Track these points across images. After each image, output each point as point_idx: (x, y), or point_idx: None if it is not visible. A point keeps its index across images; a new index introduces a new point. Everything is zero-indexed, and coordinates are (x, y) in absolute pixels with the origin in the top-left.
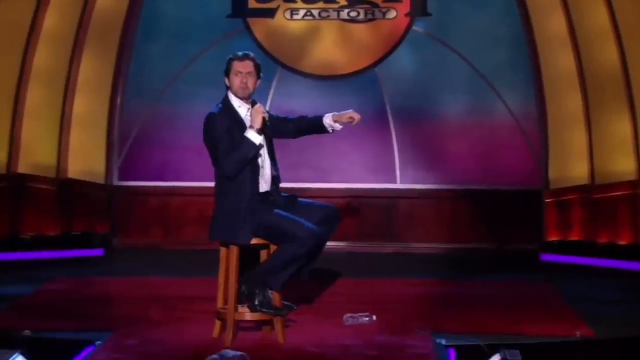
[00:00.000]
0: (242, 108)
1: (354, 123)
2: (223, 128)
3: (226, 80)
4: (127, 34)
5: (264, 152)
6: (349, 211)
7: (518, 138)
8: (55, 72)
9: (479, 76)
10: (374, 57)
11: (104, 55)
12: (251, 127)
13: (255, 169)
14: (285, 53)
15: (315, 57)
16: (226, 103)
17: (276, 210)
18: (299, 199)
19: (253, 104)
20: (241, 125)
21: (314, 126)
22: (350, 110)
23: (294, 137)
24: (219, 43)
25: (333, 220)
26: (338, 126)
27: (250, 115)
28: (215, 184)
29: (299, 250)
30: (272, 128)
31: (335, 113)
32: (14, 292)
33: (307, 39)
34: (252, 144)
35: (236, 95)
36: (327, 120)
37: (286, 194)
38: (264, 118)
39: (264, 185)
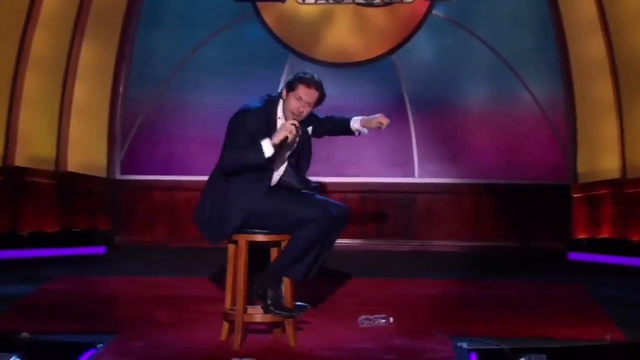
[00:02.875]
0: (281, 120)
1: (383, 128)
2: (250, 125)
3: (284, 93)
4: (130, 19)
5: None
6: (364, 207)
7: (544, 129)
8: (54, 59)
9: (503, 63)
10: (391, 43)
11: (106, 41)
12: (270, 137)
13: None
14: (297, 39)
15: (328, 43)
16: (270, 106)
17: (285, 195)
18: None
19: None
20: (270, 134)
21: (341, 129)
22: (378, 115)
23: (320, 137)
24: (227, 28)
25: (343, 216)
26: (365, 131)
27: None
28: (212, 173)
29: (317, 233)
30: (314, 130)
31: (364, 117)
32: (11, 292)
33: (320, 24)
34: (260, 153)
35: (284, 113)
36: (355, 124)
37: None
38: (286, 137)
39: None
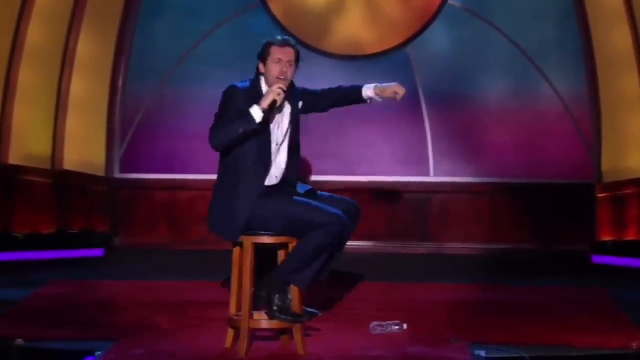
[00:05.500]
0: None
1: (398, 98)
2: (238, 102)
3: (260, 67)
4: (130, 9)
5: (278, 147)
6: (376, 207)
7: (567, 124)
8: (50, 51)
9: (522, 55)
10: (405, 34)
11: (104, 32)
12: (258, 103)
13: (266, 158)
14: (305, 30)
15: (338, 34)
16: (254, 85)
17: (294, 198)
18: (319, 192)
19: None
20: None
21: (351, 98)
22: (394, 83)
23: (327, 110)
24: (232, 19)
25: (354, 217)
26: (378, 99)
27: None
28: (219, 166)
29: (326, 238)
30: (306, 106)
31: (378, 85)
32: (5, 296)
33: (330, 15)
34: (250, 119)
35: (269, 84)
36: (369, 92)
37: (306, 187)
38: (274, 100)
39: (273, 180)
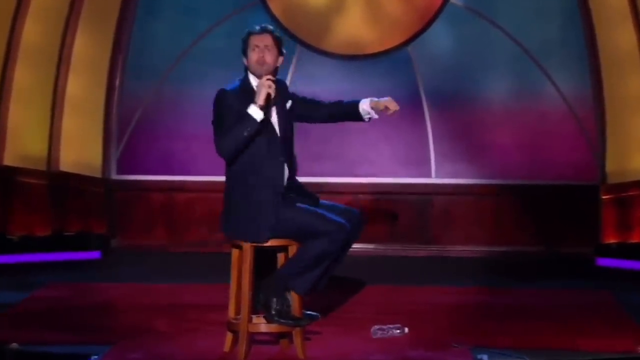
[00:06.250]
0: None
1: (390, 113)
2: (232, 106)
3: (244, 59)
4: (127, 7)
5: (278, 140)
6: (377, 209)
7: (570, 125)
8: (46, 50)
9: (526, 55)
10: (407, 34)
11: (101, 31)
12: (254, 102)
13: (278, 157)
14: (305, 29)
15: (339, 34)
16: (244, 82)
17: (298, 204)
18: (321, 201)
19: (277, 82)
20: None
21: (348, 112)
22: (387, 98)
23: (324, 122)
24: (231, 17)
25: (356, 228)
26: (375, 114)
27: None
28: (227, 171)
29: (329, 246)
30: (301, 112)
31: (374, 99)
32: (0, 299)
33: (330, 13)
34: (251, 120)
35: (254, 74)
36: (364, 106)
37: (309, 194)
38: (269, 94)
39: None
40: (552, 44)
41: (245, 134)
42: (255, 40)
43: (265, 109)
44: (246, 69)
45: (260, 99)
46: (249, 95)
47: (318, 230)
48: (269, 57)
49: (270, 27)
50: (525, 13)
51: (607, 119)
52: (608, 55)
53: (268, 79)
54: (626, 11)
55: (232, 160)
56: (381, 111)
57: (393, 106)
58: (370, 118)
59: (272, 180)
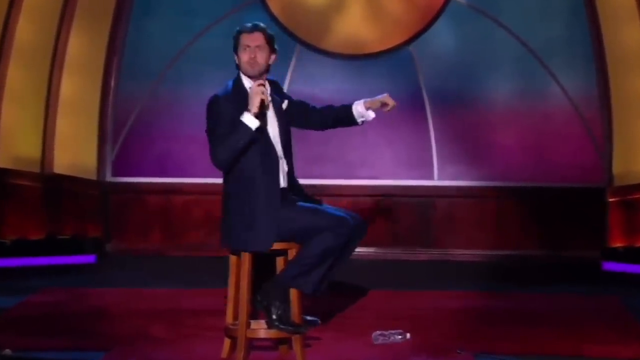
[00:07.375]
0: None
1: (387, 109)
2: (226, 112)
3: (235, 58)
4: (123, 6)
5: (278, 143)
6: (379, 212)
7: (576, 126)
8: (40, 50)
9: (530, 54)
10: (409, 33)
11: (96, 30)
12: (248, 110)
13: (273, 162)
14: (305, 29)
15: (339, 33)
16: (236, 84)
17: (299, 203)
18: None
19: (271, 83)
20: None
21: (343, 116)
22: (384, 95)
23: (320, 129)
24: (228, 17)
25: (358, 231)
26: (371, 114)
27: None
28: (224, 180)
29: (334, 241)
30: (295, 116)
31: (368, 99)
32: None
33: (330, 12)
34: (246, 128)
35: (246, 74)
36: (358, 107)
37: (309, 195)
38: (262, 100)
39: (282, 181)
40: (557, 43)
41: (241, 143)
42: (246, 39)
43: (260, 115)
44: (237, 69)
45: (254, 106)
46: (242, 98)
47: (321, 225)
48: (261, 57)
49: (262, 25)
50: (530, 11)
51: (614, 120)
52: (614, 55)
53: (260, 84)
54: (633, 9)
55: (228, 170)
56: (378, 109)
57: (390, 102)
58: (364, 121)
59: (270, 185)
